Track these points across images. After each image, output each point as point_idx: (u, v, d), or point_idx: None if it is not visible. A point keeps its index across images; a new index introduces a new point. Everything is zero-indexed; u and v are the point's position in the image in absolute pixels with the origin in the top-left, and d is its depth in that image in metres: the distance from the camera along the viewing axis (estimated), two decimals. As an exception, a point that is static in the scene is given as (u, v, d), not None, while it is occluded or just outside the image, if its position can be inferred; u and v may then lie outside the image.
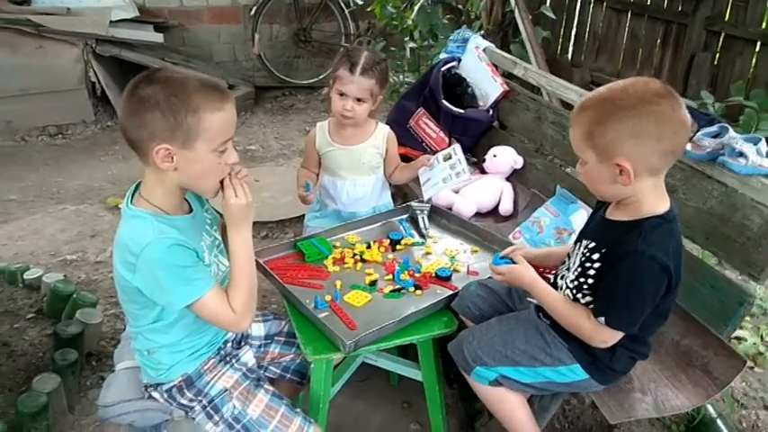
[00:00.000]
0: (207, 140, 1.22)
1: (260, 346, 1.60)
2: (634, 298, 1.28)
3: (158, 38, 4.68)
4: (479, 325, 1.56)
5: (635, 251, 1.25)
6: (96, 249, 2.93)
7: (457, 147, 2.05)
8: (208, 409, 1.41)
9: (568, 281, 1.41)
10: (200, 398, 1.42)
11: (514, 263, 1.52)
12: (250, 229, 1.33)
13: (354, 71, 1.93)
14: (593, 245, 1.36)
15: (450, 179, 2.02)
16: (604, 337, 1.35)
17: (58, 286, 2.35)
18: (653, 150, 1.22)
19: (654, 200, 1.30)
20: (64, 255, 2.90)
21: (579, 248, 1.41)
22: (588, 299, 1.37)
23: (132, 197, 1.31)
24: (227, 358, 1.48)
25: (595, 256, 1.34)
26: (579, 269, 1.38)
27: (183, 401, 1.42)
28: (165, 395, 1.42)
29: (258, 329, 1.61)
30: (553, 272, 1.57)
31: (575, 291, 1.39)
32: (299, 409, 1.46)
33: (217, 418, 1.41)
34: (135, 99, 1.20)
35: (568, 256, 1.46)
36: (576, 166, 1.37)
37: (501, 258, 1.54)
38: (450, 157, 2.04)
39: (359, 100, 1.96)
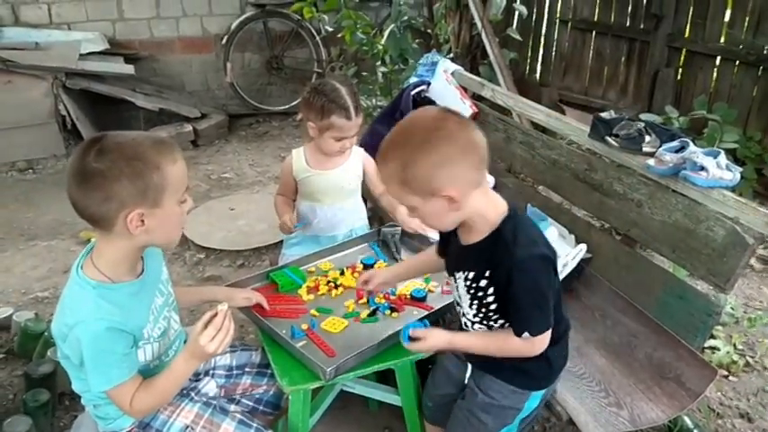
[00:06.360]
0: (172, 193, 1.25)
1: (228, 377, 1.58)
2: (539, 301, 1.28)
3: (129, 69, 4.67)
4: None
5: (514, 262, 1.24)
6: (69, 285, 2.87)
7: None
8: None
9: (471, 317, 1.39)
10: None
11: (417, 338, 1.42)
12: (198, 365, 1.37)
13: (351, 116, 1.95)
14: (472, 274, 1.33)
15: None
16: (537, 345, 1.33)
17: (28, 325, 2.30)
18: (466, 168, 1.22)
19: (490, 207, 1.29)
20: (35, 292, 2.84)
21: (457, 283, 1.39)
22: (501, 321, 1.35)
23: (84, 260, 1.28)
24: (184, 391, 1.45)
25: (483, 283, 1.31)
26: (474, 302, 1.35)
27: None
28: None
29: (224, 359, 1.59)
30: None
31: (484, 321, 1.37)
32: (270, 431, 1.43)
33: None
34: (91, 174, 1.16)
35: (458, 294, 1.41)
36: (405, 214, 1.40)
37: (409, 338, 1.40)
38: None
39: (353, 135, 2.03)
